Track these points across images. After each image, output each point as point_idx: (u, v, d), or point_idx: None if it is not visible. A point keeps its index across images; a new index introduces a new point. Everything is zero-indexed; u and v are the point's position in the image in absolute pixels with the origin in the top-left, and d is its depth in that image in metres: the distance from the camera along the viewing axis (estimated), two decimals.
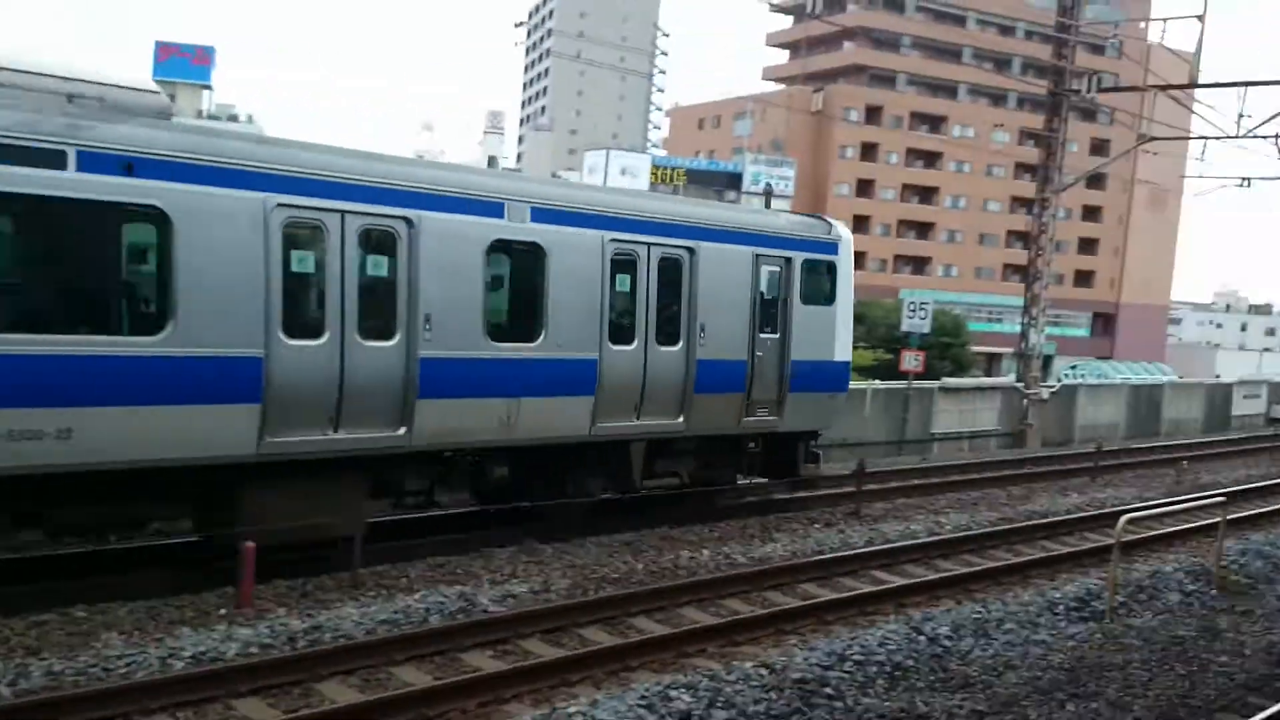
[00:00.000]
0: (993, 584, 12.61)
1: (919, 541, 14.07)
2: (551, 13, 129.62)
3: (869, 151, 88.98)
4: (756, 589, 11.68)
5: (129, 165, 9.26)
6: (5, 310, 8.91)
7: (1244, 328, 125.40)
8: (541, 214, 12.16)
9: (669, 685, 8.24)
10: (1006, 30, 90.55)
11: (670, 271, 13.48)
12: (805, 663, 8.97)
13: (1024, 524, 15.50)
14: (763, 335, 14.60)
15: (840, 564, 12.81)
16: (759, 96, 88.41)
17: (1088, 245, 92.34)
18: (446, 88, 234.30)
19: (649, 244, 13.23)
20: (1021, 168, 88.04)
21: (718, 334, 13.97)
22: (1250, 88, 25.15)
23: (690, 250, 13.57)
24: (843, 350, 15.73)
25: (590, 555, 12.45)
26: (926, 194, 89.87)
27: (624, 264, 13.03)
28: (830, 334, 15.49)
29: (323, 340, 10.43)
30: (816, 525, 14.69)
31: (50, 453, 8.91)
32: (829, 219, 16.26)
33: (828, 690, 8.52)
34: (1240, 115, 25.48)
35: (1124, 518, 12.02)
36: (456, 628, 9.55)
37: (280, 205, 10.08)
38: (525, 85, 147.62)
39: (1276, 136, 25.54)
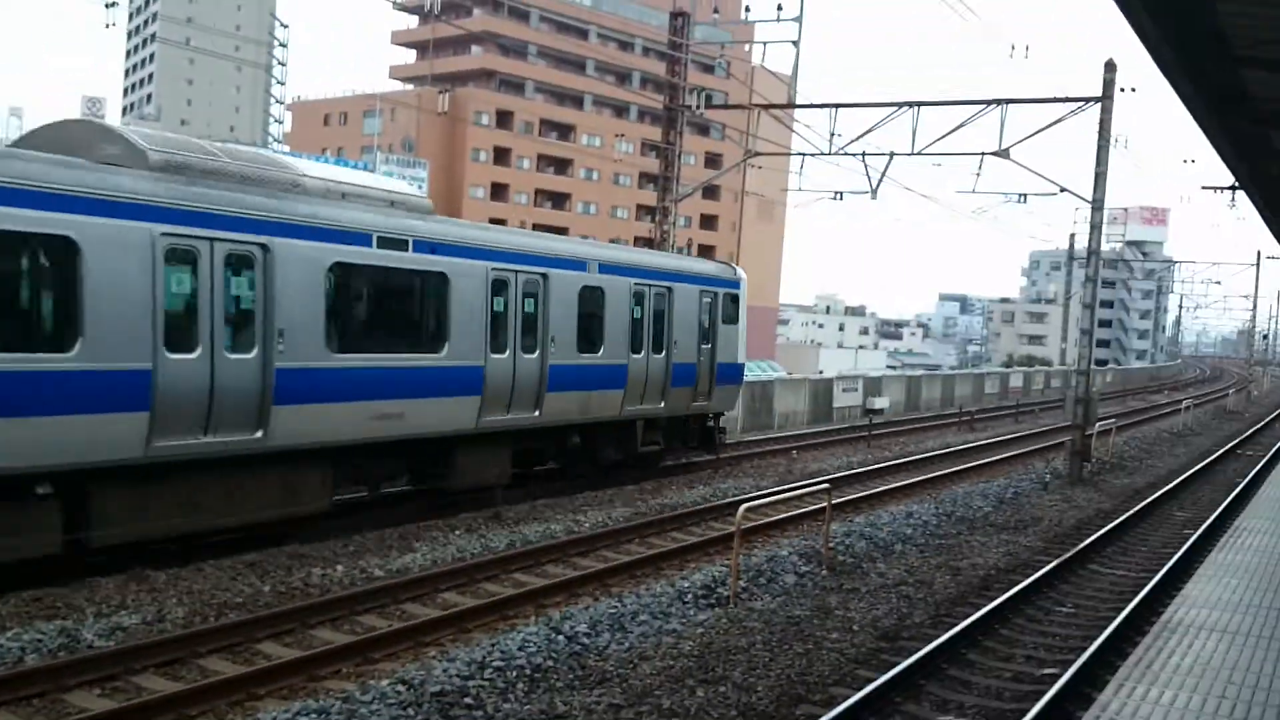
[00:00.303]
0: (628, 577, 12.99)
1: (558, 541, 14.22)
2: None
3: (502, 156, 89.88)
4: (395, 602, 11.33)
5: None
6: None
7: (841, 327, 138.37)
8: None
9: (299, 712, 7.79)
10: (626, 45, 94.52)
11: (641, 302, 19.12)
12: (445, 674, 8.77)
13: (656, 517, 16.10)
14: (704, 345, 20.72)
15: (481, 569, 12.70)
16: (388, 95, 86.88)
17: (706, 251, 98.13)
18: (37, 72, 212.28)
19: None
20: (645, 177, 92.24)
21: (684, 345, 20.12)
22: (840, 109, 27.59)
23: (669, 289, 19.74)
24: (741, 355, 22.08)
25: (210, 580, 11.53)
26: (559, 199, 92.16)
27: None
28: (736, 344, 21.74)
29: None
30: (457, 532, 14.47)
31: None
32: (733, 265, 23.14)
33: (468, 700, 8.37)
34: (832, 134, 27.79)
35: (743, 507, 12.73)
36: (57, 667, 8.57)
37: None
38: (127, 71, 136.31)
39: (863, 154, 28.17)
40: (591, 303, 17.85)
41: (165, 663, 9.05)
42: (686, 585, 12.14)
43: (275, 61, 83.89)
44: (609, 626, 10.55)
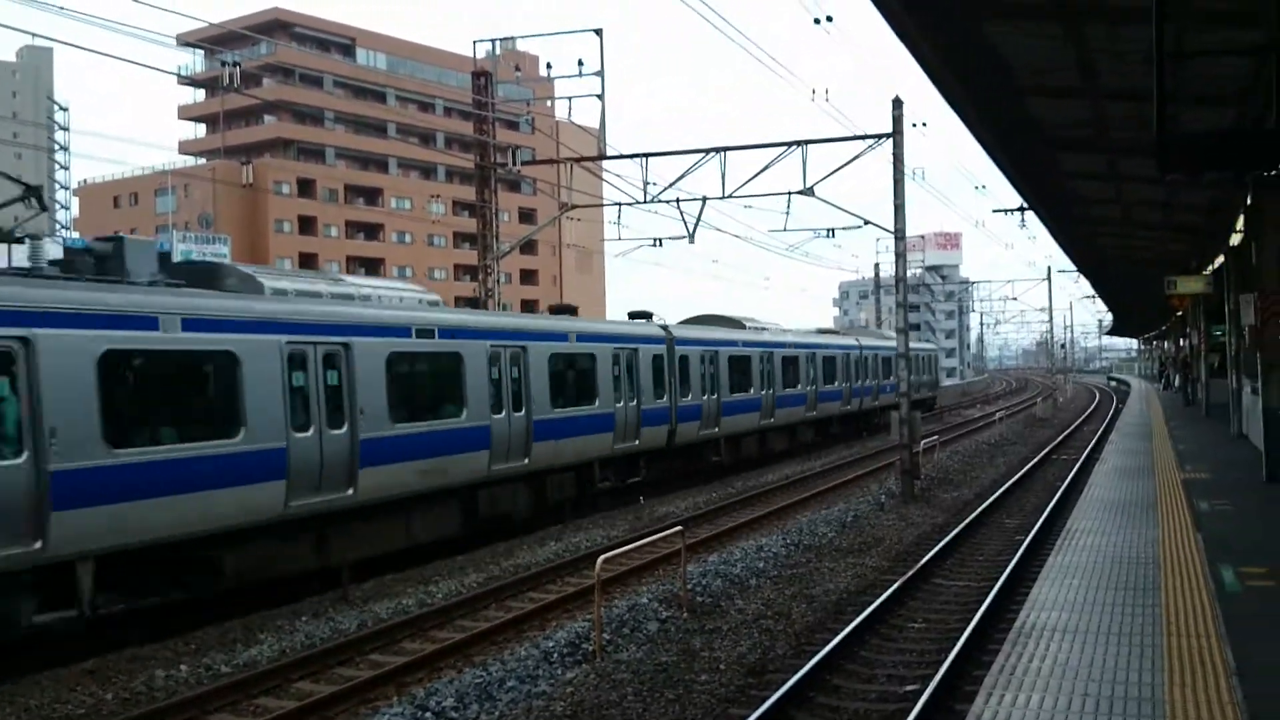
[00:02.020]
0: (490, 644, 12.69)
1: (411, 616, 13.79)
2: None
3: (308, 225, 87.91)
4: (247, 698, 10.75)
5: None
6: None
7: None
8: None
9: None
10: (426, 106, 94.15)
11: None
12: None
13: (511, 579, 15.81)
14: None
15: (334, 654, 12.17)
16: (181, 171, 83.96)
17: (529, 306, 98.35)
18: None
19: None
20: (460, 236, 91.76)
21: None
22: (651, 158, 28.19)
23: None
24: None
25: (47, 693, 10.71)
26: (372, 265, 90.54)
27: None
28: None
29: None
30: (303, 618, 13.87)
31: None
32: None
33: None
34: (646, 183, 28.31)
35: (601, 558, 12.68)
36: None
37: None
38: None
39: (678, 200, 28.77)
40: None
41: None
42: (551, 645, 11.96)
43: (57, 145, 79.88)
44: (477, 697, 10.29)
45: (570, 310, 26.32)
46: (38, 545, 11.39)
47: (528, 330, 20.65)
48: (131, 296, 13.01)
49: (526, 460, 19.81)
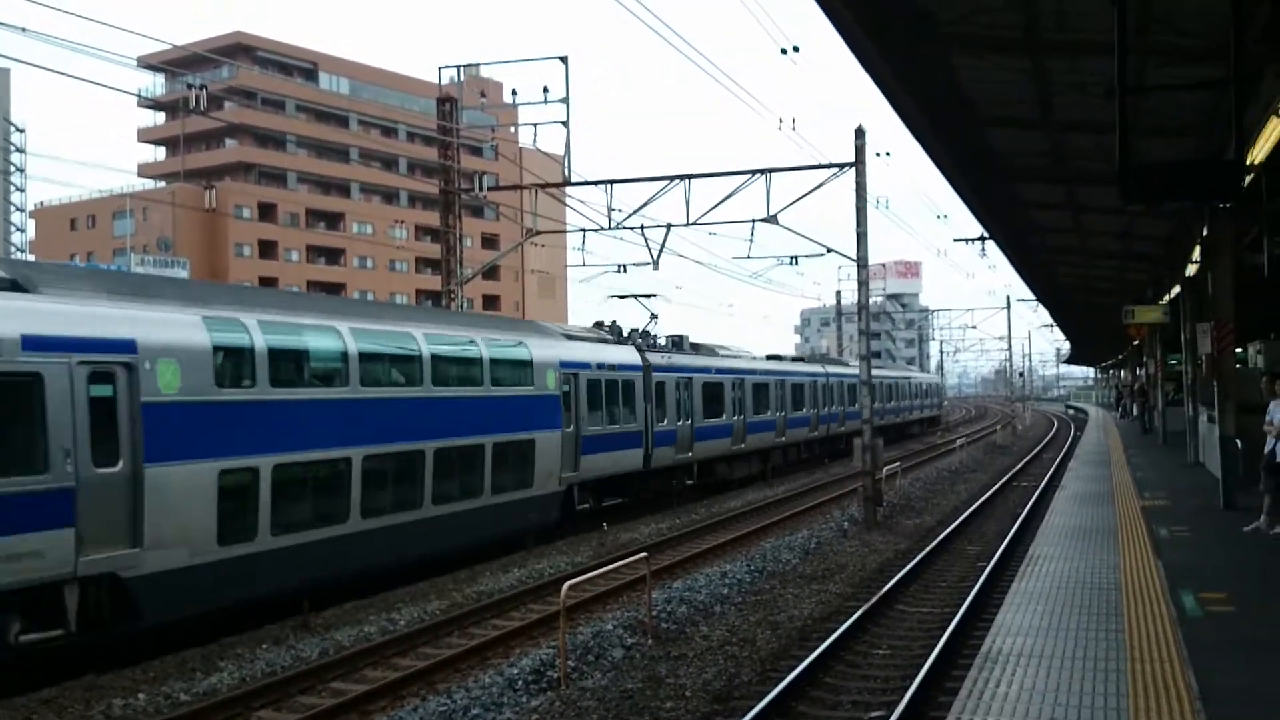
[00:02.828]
0: (454, 672, 12.56)
1: (374, 643, 13.62)
2: None
3: (268, 249, 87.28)
4: None
5: None
6: None
7: None
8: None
9: None
10: (389, 132, 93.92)
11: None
12: None
13: (474, 606, 15.68)
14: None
15: (295, 682, 12.01)
16: (141, 194, 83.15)
17: None
18: None
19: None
20: (423, 262, 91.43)
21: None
22: (616, 184, 28.26)
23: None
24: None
25: None
26: (333, 290, 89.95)
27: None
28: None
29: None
30: (264, 645, 13.66)
31: None
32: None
33: None
34: (610, 209, 28.36)
35: (566, 585, 12.61)
36: None
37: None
38: None
39: (642, 227, 28.85)
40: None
41: None
42: (515, 672, 11.87)
43: (13, 167, 78.71)
44: None
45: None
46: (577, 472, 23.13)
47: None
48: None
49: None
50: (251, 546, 14.14)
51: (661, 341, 30.84)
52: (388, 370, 17.77)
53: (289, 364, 15.50)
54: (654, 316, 30.99)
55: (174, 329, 13.38)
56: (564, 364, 22.86)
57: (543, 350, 22.19)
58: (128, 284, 14.71)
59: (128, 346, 12.63)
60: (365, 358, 16.67)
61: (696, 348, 33.35)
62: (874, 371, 37.79)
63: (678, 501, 28.63)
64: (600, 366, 24.87)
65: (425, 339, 18.19)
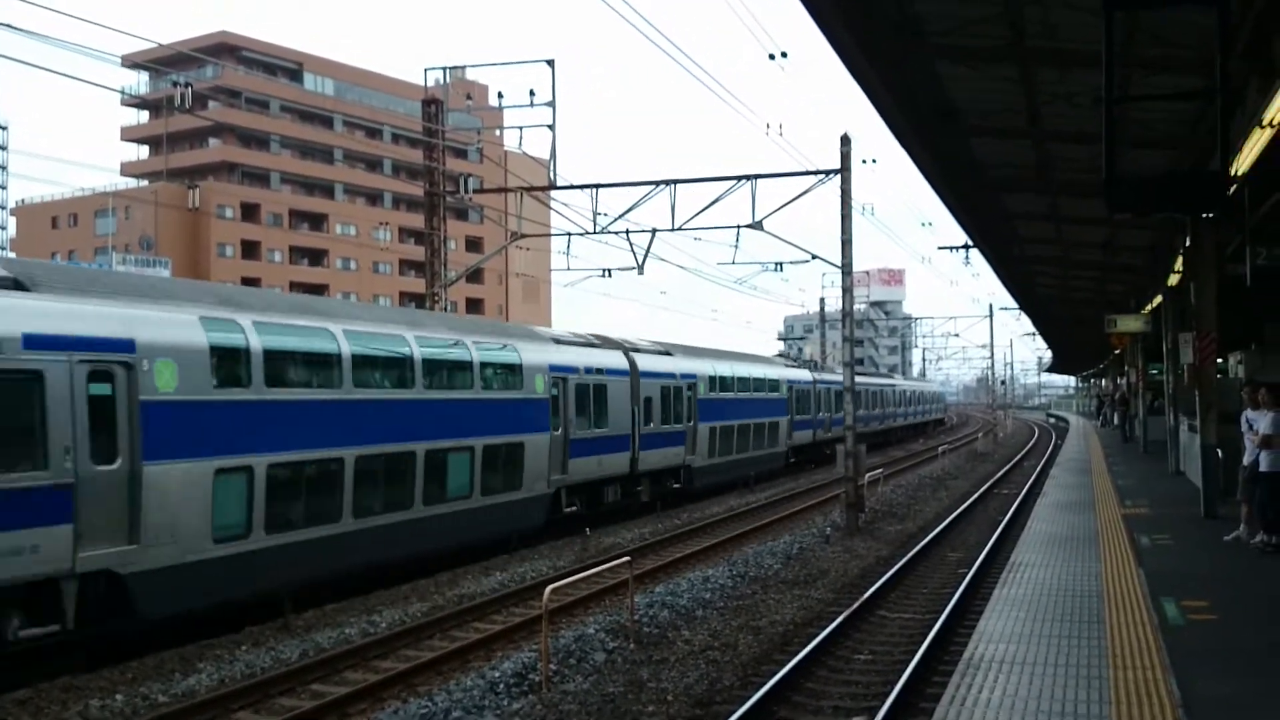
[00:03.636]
0: (435, 674, 12.50)
1: (354, 645, 13.55)
2: None
3: (251, 249, 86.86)
4: None
5: None
6: None
7: None
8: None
9: None
10: (374, 133, 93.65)
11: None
12: None
13: (455, 609, 15.61)
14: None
15: (275, 684, 11.93)
16: (122, 192, 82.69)
17: None
18: None
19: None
20: (406, 264, 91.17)
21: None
22: (601, 189, 28.23)
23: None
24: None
25: None
26: (315, 292, 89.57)
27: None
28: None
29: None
30: (243, 647, 13.58)
31: None
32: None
33: None
34: (595, 213, 28.32)
35: (549, 588, 12.57)
36: None
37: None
38: None
39: (627, 232, 28.83)
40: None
41: None
42: (497, 675, 11.82)
43: None
44: None
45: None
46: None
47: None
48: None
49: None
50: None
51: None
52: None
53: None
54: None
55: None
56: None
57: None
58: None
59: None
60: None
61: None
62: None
63: (660, 507, 28.59)
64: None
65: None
